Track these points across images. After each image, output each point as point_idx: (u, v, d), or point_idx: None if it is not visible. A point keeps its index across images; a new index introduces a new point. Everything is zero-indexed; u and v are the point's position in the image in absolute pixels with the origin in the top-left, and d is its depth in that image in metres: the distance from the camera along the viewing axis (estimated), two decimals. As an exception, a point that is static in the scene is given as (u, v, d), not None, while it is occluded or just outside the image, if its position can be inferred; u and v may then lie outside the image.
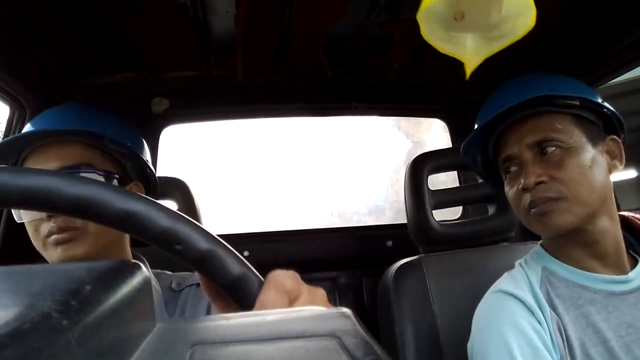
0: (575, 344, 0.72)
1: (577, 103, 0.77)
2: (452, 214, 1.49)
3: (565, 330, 0.73)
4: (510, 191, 0.82)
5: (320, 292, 0.36)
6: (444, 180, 1.66)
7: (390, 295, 1.07)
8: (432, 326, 1.03)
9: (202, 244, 0.32)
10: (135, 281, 0.24)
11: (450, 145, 1.51)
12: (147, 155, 0.87)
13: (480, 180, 1.18)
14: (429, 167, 1.15)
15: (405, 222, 1.20)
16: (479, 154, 0.93)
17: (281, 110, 1.44)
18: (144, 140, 0.89)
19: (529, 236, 1.31)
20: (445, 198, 1.17)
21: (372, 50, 1.16)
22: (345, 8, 0.95)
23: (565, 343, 0.73)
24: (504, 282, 0.83)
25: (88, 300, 0.19)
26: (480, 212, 1.22)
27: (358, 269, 1.37)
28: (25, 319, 0.15)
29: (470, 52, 0.56)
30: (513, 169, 0.81)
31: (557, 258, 0.81)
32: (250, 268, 0.33)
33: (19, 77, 1.00)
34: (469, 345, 0.84)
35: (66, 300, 0.17)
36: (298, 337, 0.22)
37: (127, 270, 0.24)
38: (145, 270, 0.26)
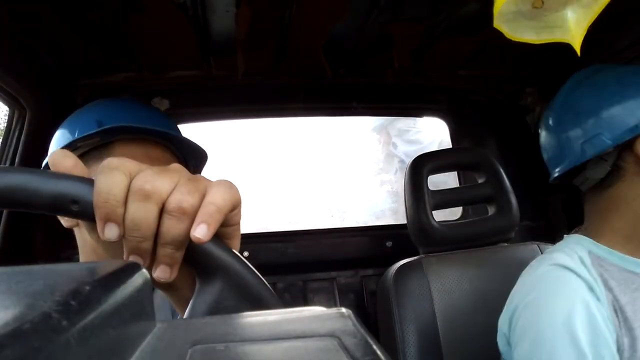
0: (636, 325, 0.71)
1: None
2: (452, 214, 1.49)
3: (623, 312, 0.72)
4: None
5: (174, 165, 0.34)
6: (445, 180, 1.66)
7: (390, 296, 1.07)
8: (433, 326, 1.03)
9: (51, 184, 0.30)
10: (135, 281, 0.24)
11: (451, 146, 1.51)
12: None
13: (480, 181, 1.18)
14: (429, 168, 1.15)
15: (405, 222, 1.20)
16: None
17: (281, 110, 1.44)
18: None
19: (528, 237, 1.31)
20: (445, 198, 1.17)
21: (372, 50, 1.16)
22: (345, 8, 0.95)
23: (622, 323, 0.72)
24: (559, 256, 0.79)
25: (88, 301, 0.19)
26: (480, 213, 1.22)
27: (358, 269, 1.37)
28: (25, 319, 0.15)
29: (574, 27, 0.53)
30: None
31: (605, 245, 0.80)
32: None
33: (19, 77, 1.00)
34: (505, 319, 0.82)
35: (66, 301, 0.17)
36: (298, 337, 0.22)
37: (127, 270, 0.24)
38: (144, 271, 0.26)
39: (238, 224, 0.35)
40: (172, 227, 0.30)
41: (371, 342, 0.22)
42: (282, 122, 2.60)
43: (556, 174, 0.86)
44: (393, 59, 1.20)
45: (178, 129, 0.83)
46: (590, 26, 1.05)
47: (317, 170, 2.92)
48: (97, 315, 0.18)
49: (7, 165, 1.04)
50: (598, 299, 0.73)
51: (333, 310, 0.25)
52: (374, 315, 1.26)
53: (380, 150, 2.89)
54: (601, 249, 0.80)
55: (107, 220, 0.30)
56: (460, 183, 1.50)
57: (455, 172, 1.52)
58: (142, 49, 1.07)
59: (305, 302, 1.31)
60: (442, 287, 1.06)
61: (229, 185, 0.33)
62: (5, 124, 1.08)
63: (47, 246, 1.13)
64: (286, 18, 0.97)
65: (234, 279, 0.32)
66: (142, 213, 0.30)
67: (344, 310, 0.25)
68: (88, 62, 1.10)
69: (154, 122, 0.75)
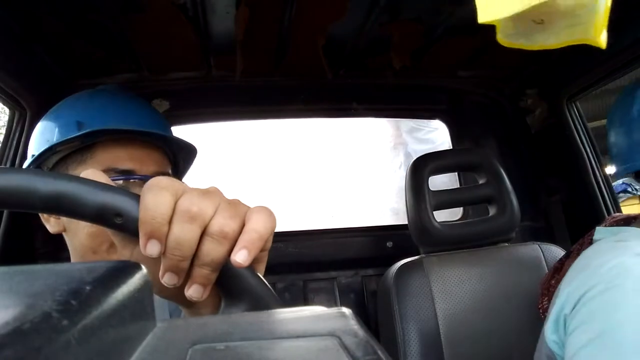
0: None
1: None
2: (453, 214, 1.49)
3: None
4: None
5: (212, 186, 0.34)
6: (445, 181, 1.66)
7: (391, 295, 1.07)
8: (433, 326, 1.03)
9: (98, 195, 0.30)
10: (135, 281, 0.24)
11: (451, 147, 1.51)
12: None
13: (480, 181, 1.18)
14: (429, 168, 1.15)
15: (406, 223, 1.20)
16: None
17: (281, 111, 1.44)
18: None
19: (529, 237, 1.31)
20: (445, 199, 1.17)
21: (372, 50, 1.16)
22: (345, 8, 0.95)
23: None
24: (639, 247, 0.72)
25: (88, 300, 0.19)
26: (481, 213, 1.22)
27: (358, 269, 1.37)
28: (25, 319, 0.15)
29: (591, 22, 0.50)
30: None
31: None
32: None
33: (19, 77, 1.00)
34: (567, 303, 0.74)
35: (66, 300, 0.17)
36: (298, 336, 0.22)
37: (127, 270, 0.24)
38: (145, 271, 0.26)
39: (268, 249, 0.36)
40: (212, 250, 0.31)
41: (372, 341, 0.22)
42: (283, 122, 2.60)
43: (625, 172, 0.81)
44: (392, 60, 1.20)
45: (165, 124, 0.80)
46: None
47: (319, 168, 2.91)
48: (98, 315, 0.18)
49: (7, 165, 1.04)
50: None
51: (333, 309, 0.25)
52: (374, 315, 1.26)
53: (388, 142, 2.83)
54: None
55: (150, 237, 0.30)
56: (460, 184, 1.50)
57: (456, 173, 1.52)
58: (142, 50, 1.07)
59: (305, 302, 1.31)
60: (443, 287, 1.06)
61: (269, 213, 0.34)
62: (6, 125, 1.08)
63: (47, 246, 1.13)
64: (286, 19, 0.97)
65: (259, 303, 0.33)
66: (186, 234, 0.31)
67: (344, 309, 0.25)
68: (88, 62, 1.10)
69: (138, 119, 0.73)
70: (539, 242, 1.14)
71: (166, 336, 0.23)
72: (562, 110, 1.29)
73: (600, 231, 0.85)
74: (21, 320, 0.15)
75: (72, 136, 0.67)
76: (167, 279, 0.32)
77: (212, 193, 0.33)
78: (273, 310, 0.29)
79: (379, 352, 0.21)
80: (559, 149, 1.32)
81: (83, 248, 0.66)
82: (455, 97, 1.44)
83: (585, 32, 0.49)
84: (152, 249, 0.31)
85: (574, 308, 0.72)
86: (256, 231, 0.32)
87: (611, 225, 0.86)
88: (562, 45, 0.52)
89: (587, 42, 0.49)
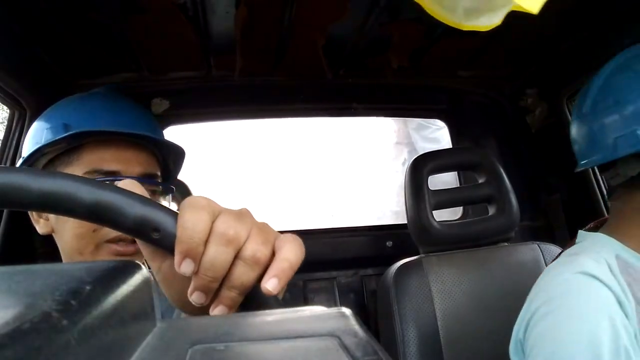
0: None
1: None
2: (452, 214, 1.49)
3: None
4: None
5: (244, 208, 0.35)
6: (446, 181, 1.66)
7: (390, 295, 1.07)
8: (433, 326, 1.03)
9: (138, 208, 0.31)
10: (135, 281, 0.24)
11: (451, 146, 1.51)
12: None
13: (480, 181, 1.18)
14: (429, 168, 1.15)
15: (405, 222, 1.20)
16: None
17: (281, 110, 1.44)
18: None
19: (528, 236, 1.31)
20: (445, 198, 1.17)
21: (372, 50, 1.16)
22: (345, 8, 0.95)
23: None
24: (585, 262, 0.70)
25: (88, 300, 0.19)
26: (481, 213, 1.22)
27: (358, 269, 1.37)
28: (25, 319, 0.15)
29: None
30: None
31: (634, 250, 0.72)
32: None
33: (19, 77, 1.00)
34: (521, 324, 0.74)
35: (66, 300, 0.17)
36: (298, 336, 0.22)
37: (127, 270, 0.24)
38: (145, 270, 0.26)
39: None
40: (244, 274, 0.32)
41: (371, 341, 0.22)
42: (283, 122, 2.60)
43: (582, 167, 0.78)
44: (391, 60, 1.20)
45: (156, 126, 0.80)
46: (590, 26, 1.06)
47: (318, 166, 2.90)
48: (97, 315, 0.18)
49: (7, 165, 1.04)
50: (626, 314, 0.65)
51: (333, 309, 0.25)
52: (374, 314, 1.26)
53: (392, 137, 2.81)
54: (630, 254, 0.72)
55: (186, 255, 0.31)
56: (460, 183, 1.50)
57: (456, 173, 1.52)
58: (142, 50, 1.07)
59: (305, 301, 1.31)
60: (442, 287, 1.06)
61: (300, 243, 0.34)
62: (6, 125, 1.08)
63: (47, 246, 1.13)
64: (286, 18, 0.97)
65: None
66: (220, 256, 0.31)
67: (344, 309, 0.25)
68: (88, 62, 1.10)
69: (126, 121, 0.73)
70: (538, 242, 1.14)
71: (166, 336, 0.23)
72: (562, 110, 1.29)
73: (580, 234, 0.82)
74: (21, 320, 0.15)
75: (57, 138, 0.68)
76: (196, 298, 0.32)
77: (245, 216, 0.34)
78: (273, 310, 0.29)
79: (379, 352, 0.21)
80: (558, 149, 1.32)
81: (70, 249, 0.67)
82: (455, 97, 1.44)
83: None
84: (187, 267, 0.31)
85: (525, 331, 0.72)
86: (288, 261, 0.32)
87: (589, 229, 0.83)
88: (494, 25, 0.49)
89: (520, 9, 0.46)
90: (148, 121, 0.80)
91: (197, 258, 0.31)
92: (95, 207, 0.30)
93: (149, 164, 0.74)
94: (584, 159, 0.77)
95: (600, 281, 0.67)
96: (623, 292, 0.67)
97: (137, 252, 0.65)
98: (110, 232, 0.65)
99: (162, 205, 0.32)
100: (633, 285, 0.68)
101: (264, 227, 0.34)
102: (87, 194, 0.30)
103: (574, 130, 0.80)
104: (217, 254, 0.31)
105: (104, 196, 0.30)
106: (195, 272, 0.31)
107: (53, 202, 0.30)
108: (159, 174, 0.76)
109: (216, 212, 0.32)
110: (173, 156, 0.83)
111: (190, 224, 0.31)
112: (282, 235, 0.34)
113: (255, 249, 0.32)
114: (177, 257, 0.31)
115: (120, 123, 0.72)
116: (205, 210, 0.32)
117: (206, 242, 0.31)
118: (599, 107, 0.73)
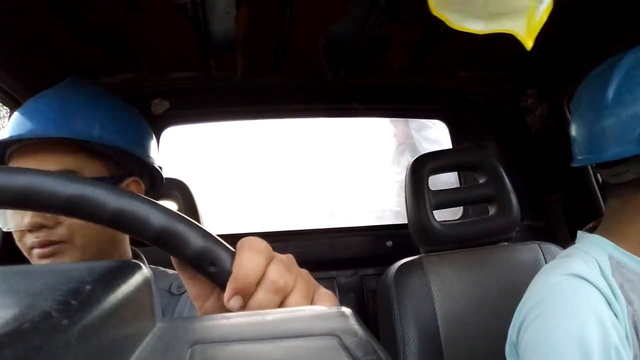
0: None
1: None
2: (453, 214, 1.49)
3: None
4: None
5: (290, 256, 0.36)
6: (446, 180, 1.66)
7: (390, 295, 1.07)
8: (433, 325, 1.03)
9: (199, 240, 0.32)
10: (135, 281, 0.24)
11: (451, 146, 1.51)
12: (149, 149, 0.80)
13: (480, 181, 1.18)
14: (429, 168, 1.15)
15: (406, 222, 1.20)
16: None
17: (281, 111, 1.44)
18: (146, 130, 0.82)
19: (529, 236, 1.31)
20: (445, 198, 1.17)
21: (371, 51, 1.16)
22: (345, 9, 0.95)
23: None
24: (575, 264, 0.71)
25: (88, 300, 0.19)
26: (481, 213, 1.22)
27: (358, 268, 1.37)
28: (25, 319, 0.15)
29: (525, 17, 0.47)
30: None
31: (628, 250, 0.72)
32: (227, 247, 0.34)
33: (19, 77, 1.00)
34: (514, 327, 0.75)
35: (66, 300, 0.17)
36: (298, 336, 0.22)
37: (127, 270, 0.24)
38: (145, 270, 0.26)
39: None
40: None
41: (371, 341, 0.22)
42: (284, 122, 2.60)
43: (593, 162, 0.74)
44: (391, 60, 1.20)
45: (127, 125, 0.76)
46: (590, 27, 1.06)
47: (319, 166, 2.90)
48: (97, 315, 0.18)
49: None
50: (616, 315, 0.66)
51: (333, 309, 0.26)
52: (374, 314, 1.26)
53: (394, 138, 2.82)
54: (623, 254, 0.72)
55: (238, 293, 0.32)
56: (460, 183, 1.50)
57: (456, 173, 1.52)
58: (142, 50, 1.07)
59: (305, 302, 1.31)
60: (442, 286, 1.06)
61: (335, 302, 0.36)
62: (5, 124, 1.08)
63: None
64: (286, 19, 0.97)
65: None
66: (268, 302, 0.33)
67: (344, 309, 0.25)
68: (88, 62, 1.10)
69: (64, 123, 0.70)
70: (538, 242, 1.14)
71: (166, 336, 0.23)
72: (562, 110, 1.29)
73: (579, 235, 0.82)
74: (21, 320, 0.15)
75: None
76: None
77: (292, 265, 0.35)
78: (273, 310, 0.29)
79: (379, 352, 0.21)
80: (559, 149, 1.32)
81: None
82: (455, 97, 1.44)
83: (515, 25, 0.48)
84: (236, 302, 0.32)
85: (518, 335, 0.73)
86: None
87: (588, 229, 0.83)
88: (488, 33, 0.50)
89: (515, 34, 0.48)
90: (104, 117, 0.75)
91: (247, 297, 0.32)
92: (162, 233, 0.32)
93: (69, 161, 0.70)
94: (593, 152, 0.73)
95: (588, 282, 0.68)
96: (613, 292, 0.67)
97: (61, 250, 0.67)
98: (29, 240, 0.68)
99: (222, 242, 0.34)
100: (625, 285, 0.69)
101: (307, 279, 0.36)
102: (158, 219, 0.32)
103: (581, 121, 0.76)
104: (266, 300, 0.32)
105: (173, 225, 0.32)
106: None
107: (124, 221, 0.31)
108: (79, 170, 0.71)
109: (270, 257, 0.34)
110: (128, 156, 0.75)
111: (248, 265, 0.32)
112: (320, 290, 0.36)
113: (298, 301, 0.33)
114: (228, 292, 0.32)
115: (57, 124, 0.70)
116: (262, 254, 0.33)
117: (257, 284, 0.33)
118: (624, 98, 0.68)
